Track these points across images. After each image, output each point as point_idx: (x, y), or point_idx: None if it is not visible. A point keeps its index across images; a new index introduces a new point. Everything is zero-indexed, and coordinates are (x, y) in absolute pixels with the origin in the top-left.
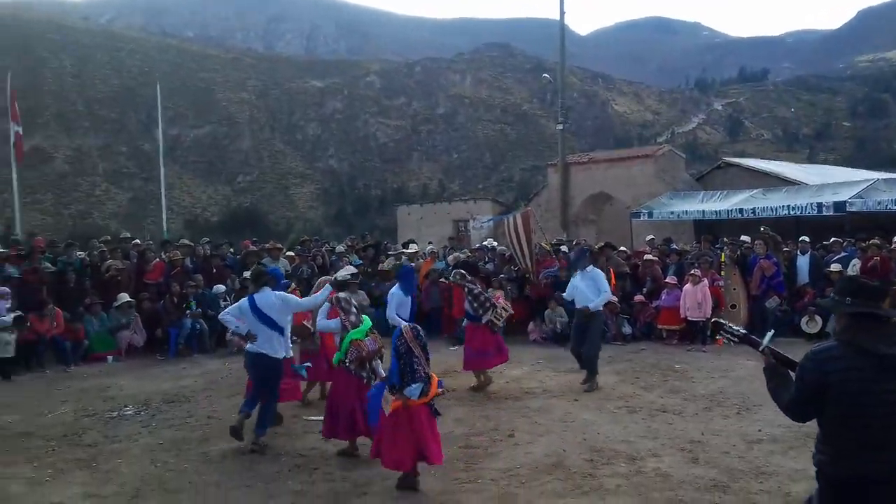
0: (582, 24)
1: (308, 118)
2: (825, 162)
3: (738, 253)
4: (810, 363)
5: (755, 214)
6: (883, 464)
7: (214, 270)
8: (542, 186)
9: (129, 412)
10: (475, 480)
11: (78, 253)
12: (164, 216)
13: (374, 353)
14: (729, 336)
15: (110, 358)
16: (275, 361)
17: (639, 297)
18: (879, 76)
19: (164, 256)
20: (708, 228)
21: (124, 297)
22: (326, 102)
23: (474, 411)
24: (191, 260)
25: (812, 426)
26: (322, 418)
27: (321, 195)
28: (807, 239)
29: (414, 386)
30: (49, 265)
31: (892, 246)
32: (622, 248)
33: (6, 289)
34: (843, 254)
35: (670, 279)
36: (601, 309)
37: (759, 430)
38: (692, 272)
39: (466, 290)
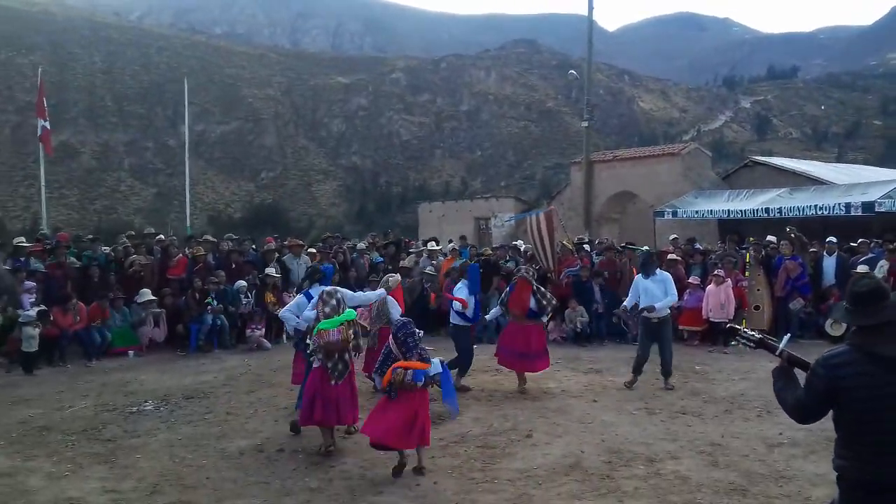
0: (610, 19)
1: (332, 115)
2: (854, 161)
3: (763, 253)
4: (821, 368)
5: (781, 214)
6: None
7: (234, 266)
8: (566, 185)
9: (149, 407)
10: (492, 480)
11: (103, 248)
12: (188, 212)
13: (336, 345)
14: (745, 342)
15: (131, 353)
16: None
17: None
18: None
19: (187, 252)
20: (733, 228)
21: (147, 292)
22: (351, 99)
23: (492, 411)
24: (213, 256)
25: (834, 430)
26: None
27: (343, 192)
28: (834, 240)
29: (375, 373)
30: (74, 260)
31: None
32: (645, 247)
33: (32, 283)
34: (870, 255)
35: (693, 279)
36: (667, 313)
37: (780, 434)
38: (716, 272)
39: (535, 286)
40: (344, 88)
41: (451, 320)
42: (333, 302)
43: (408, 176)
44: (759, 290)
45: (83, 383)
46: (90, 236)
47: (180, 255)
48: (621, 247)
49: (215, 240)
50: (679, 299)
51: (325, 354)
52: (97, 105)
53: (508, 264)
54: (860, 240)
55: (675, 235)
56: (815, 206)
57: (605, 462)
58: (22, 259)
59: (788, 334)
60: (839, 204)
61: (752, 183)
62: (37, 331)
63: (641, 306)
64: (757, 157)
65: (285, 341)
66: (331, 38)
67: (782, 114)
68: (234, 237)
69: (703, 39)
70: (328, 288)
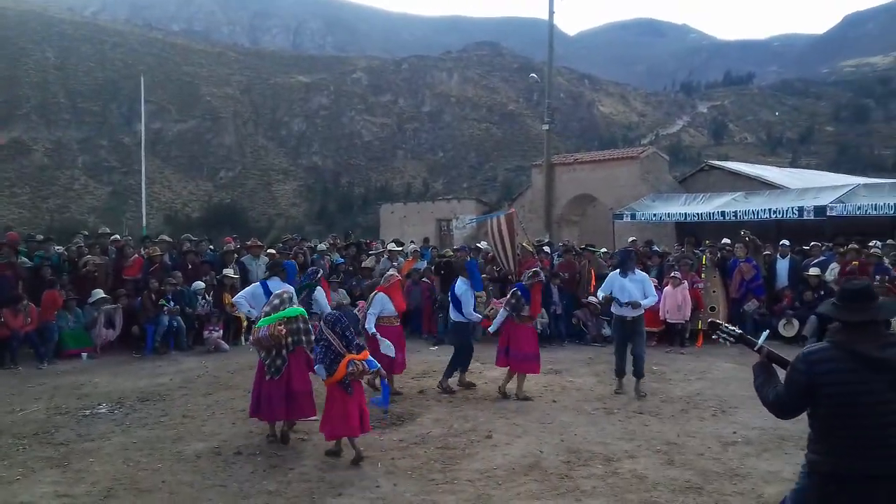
0: (570, 24)
1: (293, 114)
2: (808, 166)
3: (719, 256)
4: (802, 364)
5: (737, 217)
6: (874, 461)
7: (190, 267)
8: (527, 187)
9: (103, 410)
10: (452, 481)
11: (56, 248)
12: (144, 211)
13: (266, 340)
14: (725, 336)
15: (85, 355)
16: None
17: None
18: (863, 81)
19: (142, 252)
20: (690, 231)
21: (99, 292)
22: (312, 98)
23: (453, 412)
24: (170, 256)
25: (787, 429)
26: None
27: (304, 192)
28: (787, 243)
29: (318, 367)
30: (25, 260)
31: (871, 251)
32: (604, 250)
33: None
34: (821, 258)
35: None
36: (641, 312)
37: (734, 433)
38: (673, 274)
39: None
40: (305, 88)
41: (450, 317)
42: (276, 301)
43: (369, 177)
44: (714, 291)
45: (35, 386)
46: (42, 236)
47: (136, 255)
48: (580, 249)
49: (171, 240)
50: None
51: (257, 350)
52: (50, 101)
53: None
54: (812, 243)
55: (633, 238)
56: (770, 209)
57: (563, 462)
58: None
59: (767, 331)
60: (792, 208)
61: (708, 187)
62: None
63: (624, 301)
64: (713, 162)
65: (244, 343)
66: (291, 36)
67: (738, 119)
68: (192, 238)
69: (661, 45)
70: (280, 290)
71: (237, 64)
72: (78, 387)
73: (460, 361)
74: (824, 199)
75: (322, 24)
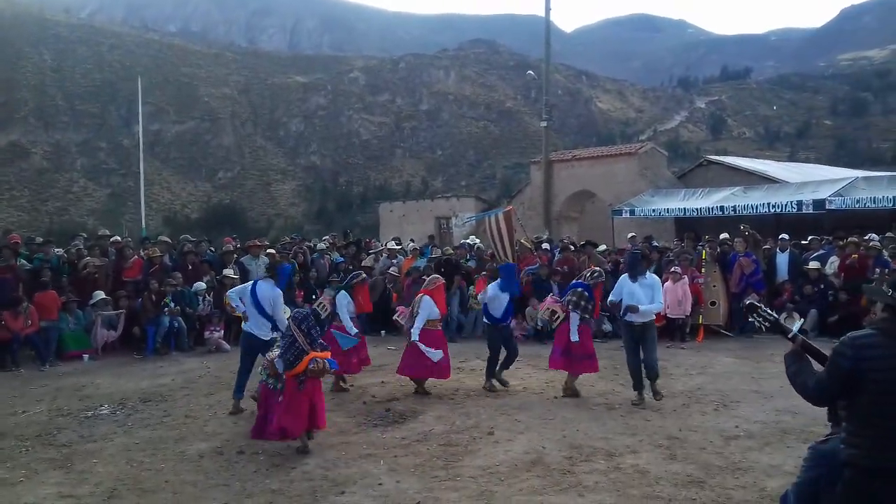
0: (567, 21)
1: (291, 114)
2: (806, 160)
3: (718, 251)
4: (848, 349)
5: (736, 212)
6: None
7: (190, 267)
8: (525, 184)
9: (105, 411)
10: (454, 478)
11: (56, 250)
12: (143, 213)
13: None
14: (761, 320)
15: (86, 356)
16: (260, 341)
17: None
18: (861, 75)
19: (142, 253)
20: (689, 226)
21: (100, 294)
22: (310, 98)
23: (454, 409)
24: (170, 257)
25: (789, 423)
26: None
27: (303, 192)
28: (786, 237)
29: (277, 360)
30: (25, 262)
31: (870, 244)
32: (603, 246)
33: None
34: (821, 251)
35: None
36: (652, 317)
37: (736, 427)
38: (673, 270)
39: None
40: (302, 88)
41: (485, 321)
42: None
43: (368, 176)
44: (714, 286)
45: (37, 388)
46: (42, 238)
47: (136, 256)
48: (580, 245)
49: (171, 241)
50: None
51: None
52: (48, 104)
53: (469, 263)
54: (811, 237)
55: (632, 234)
56: (768, 204)
57: (565, 457)
58: None
59: (802, 319)
60: (791, 202)
61: (707, 182)
62: None
63: (626, 305)
64: (712, 157)
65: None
66: (288, 36)
67: (736, 114)
68: (192, 238)
69: (658, 41)
70: (284, 319)
71: (235, 64)
72: (80, 388)
73: (506, 363)
74: (823, 193)
75: (318, 23)
